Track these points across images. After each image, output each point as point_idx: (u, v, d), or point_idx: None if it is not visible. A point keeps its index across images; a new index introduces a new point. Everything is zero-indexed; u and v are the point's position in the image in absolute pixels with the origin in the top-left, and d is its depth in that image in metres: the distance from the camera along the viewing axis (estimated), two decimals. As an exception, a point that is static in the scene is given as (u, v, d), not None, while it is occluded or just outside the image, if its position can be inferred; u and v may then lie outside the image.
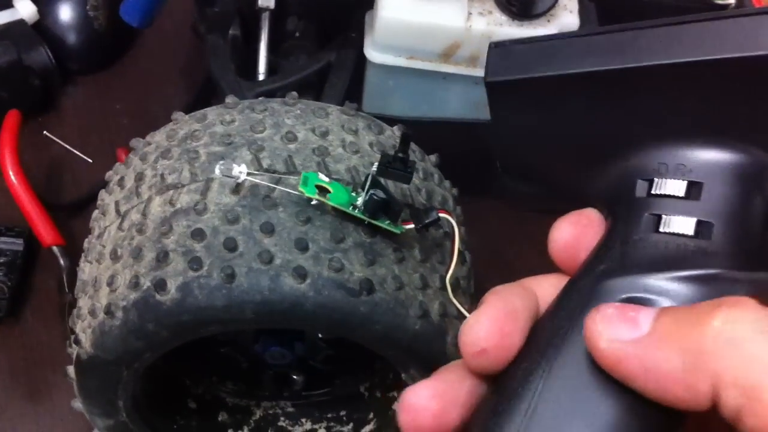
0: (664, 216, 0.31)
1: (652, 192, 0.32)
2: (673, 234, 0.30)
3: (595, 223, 0.33)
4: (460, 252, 0.47)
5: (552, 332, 0.30)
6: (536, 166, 0.38)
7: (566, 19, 0.60)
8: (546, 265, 0.78)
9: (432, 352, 0.46)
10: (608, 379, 0.28)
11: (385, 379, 0.58)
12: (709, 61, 0.30)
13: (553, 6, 0.58)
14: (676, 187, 0.31)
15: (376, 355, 0.48)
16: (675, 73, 0.31)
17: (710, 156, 0.31)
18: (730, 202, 0.30)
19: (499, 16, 0.59)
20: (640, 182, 0.32)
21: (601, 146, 0.34)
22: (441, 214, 0.43)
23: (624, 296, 0.30)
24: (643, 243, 0.31)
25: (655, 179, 0.32)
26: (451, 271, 0.45)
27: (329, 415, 0.60)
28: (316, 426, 0.60)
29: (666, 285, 0.29)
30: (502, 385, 0.31)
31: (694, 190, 0.31)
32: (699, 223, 0.30)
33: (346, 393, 0.60)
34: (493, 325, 0.30)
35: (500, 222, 0.77)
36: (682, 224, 0.30)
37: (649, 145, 0.32)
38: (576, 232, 0.33)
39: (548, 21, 0.59)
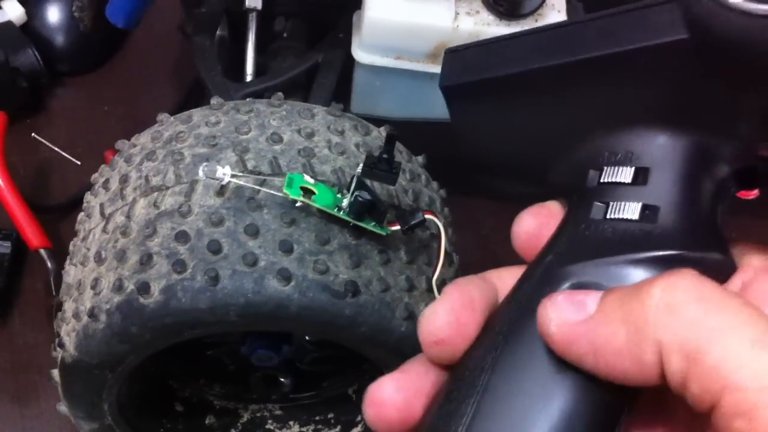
0: (611, 203, 0.31)
1: (602, 180, 0.32)
2: (619, 219, 0.31)
3: (556, 214, 0.34)
4: (447, 253, 0.47)
5: (503, 321, 0.31)
6: (497, 162, 0.39)
7: (554, 18, 0.60)
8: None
9: (418, 353, 0.45)
10: (555, 364, 0.29)
11: (372, 381, 0.58)
12: (637, 49, 0.30)
13: (540, 5, 0.58)
14: (623, 174, 0.32)
15: (364, 357, 0.47)
16: (608, 64, 0.31)
17: (656, 142, 0.32)
18: (676, 186, 0.31)
19: (487, 16, 0.58)
20: (591, 172, 0.33)
21: (552, 140, 0.35)
22: (427, 216, 0.43)
23: (572, 282, 0.30)
24: (591, 230, 0.31)
25: (605, 168, 0.32)
26: (437, 273, 0.45)
27: (317, 418, 0.59)
28: (304, 428, 0.59)
29: (613, 269, 0.30)
30: (457, 374, 0.31)
31: (641, 175, 0.31)
32: (645, 207, 0.31)
33: (334, 395, 0.60)
34: (449, 315, 0.31)
35: (492, 222, 0.77)
36: (627, 209, 0.31)
37: (597, 136, 0.33)
38: (537, 224, 0.34)
39: (536, 21, 0.59)
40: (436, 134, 0.66)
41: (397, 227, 0.43)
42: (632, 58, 0.31)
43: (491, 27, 0.58)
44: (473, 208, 0.73)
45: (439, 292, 0.45)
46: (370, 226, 0.43)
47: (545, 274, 0.31)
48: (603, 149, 0.32)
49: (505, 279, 0.33)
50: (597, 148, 0.33)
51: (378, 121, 0.52)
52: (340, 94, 0.64)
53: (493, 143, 0.38)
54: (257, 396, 0.60)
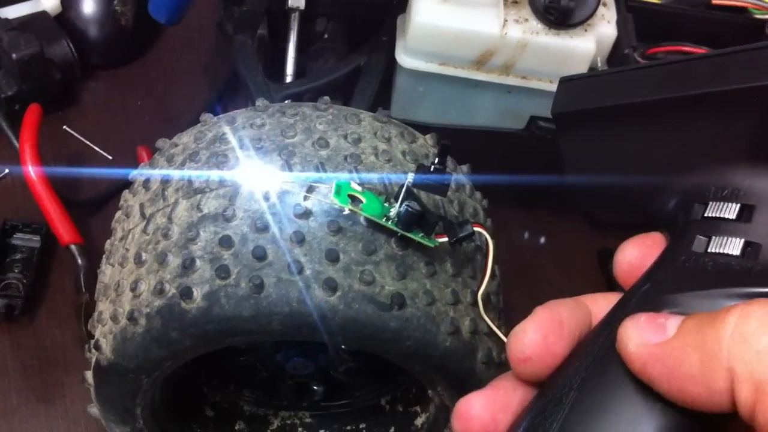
0: (713, 237, 0.32)
1: (706, 215, 0.33)
2: (720, 254, 0.31)
3: (659, 245, 0.34)
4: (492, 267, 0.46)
5: (595, 343, 0.32)
6: (601, 188, 0.39)
7: (604, 29, 0.58)
8: (568, 274, 0.76)
9: (461, 369, 0.44)
10: (642, 389, 0.29)
11: (407, 393, 0.57)
12: (752, 88, 0.31)
13: (591, 16, 0.57)
14: (728, 210, 0.32)
15: (399, 368, 0.46)
16: (724, 100, 0.32)
17: (763, 180, 0.32)
18: None
19: (536, 24, 0.57)
20: (696, 205, 0.33)
21: (659, 171, 0.35)
22: (475, 228, 0.42)
23: (668, 312, 0.30)
24: (692, 262, 0.32)
25: (710, 203, 0.33)
26: (483, 287, 0.44)
27: (348, 428, 0.58)
28: (334, 438, 0.58)
29: (709, 302, 0.30)
30: (544, 391, 0.32)
31: (746, 212, 0.32)
32: (747, 244, 0.31)
33: (366, 405, 0.59)
34: (537, 333, 0.32)
35: (524, 233, 0.76)
36: (729, 245, 0.31)
37: (705, 170, 0.33)
38: (640, 254, 0.35)
39: (585, 31, 0.58)
40: (475, 142, 0.66)
41: (445, 239, 0.42)
42: (742, 97, 0.31)
43: (540, 36, 0.57)
44: (504, 218, 0.71)
45: (484, 306, 0.44)
46: (418, 238, 0.42)
47: (641, 301, 0.31)
48: (710, 184, 0.33)
49: (600, 304, 0.34)
50: (704, 182, 0.33)
51: (418, 127, 0.51)
52: (379, 98, 0.63)
53: (599, 170, 0.39)
54: (288, 403, 0.59)
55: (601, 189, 0.39)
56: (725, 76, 0.32)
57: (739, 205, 0.32)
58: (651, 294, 0.31)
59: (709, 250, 0.31)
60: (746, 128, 0.32)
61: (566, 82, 0.39)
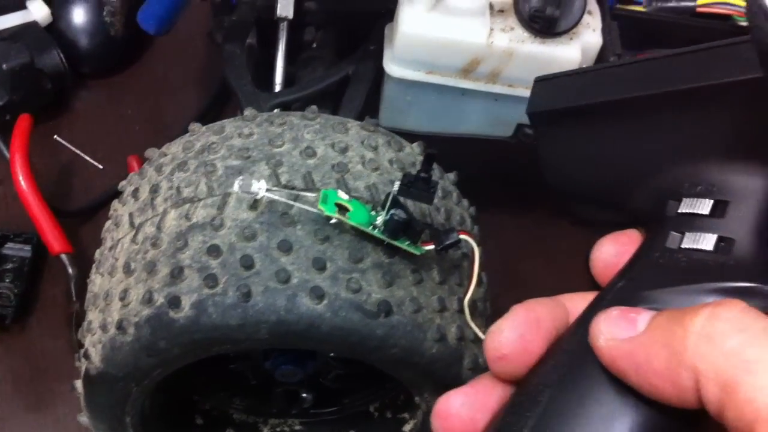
0: (687, 233, 0.32)
1: (680, 211, 0.33)
2: (694, 249, 0.32)
3: (635, 242, 0.35)
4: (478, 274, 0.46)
5: (570, 341, 0.32)
6: (580, 187, 0.39)
7: (589, 37, 0.59)
8: (560, 280, 0.76)
9: (448, 375, 0.45)
10: (615, 384, 0.29)
11: (395, 400, 0.57)
12: (727, 83, 0.31)
13: (576, 24, 0.57)
14: (702, 205, 0.32)
15: (388, 375, 0.47)
16: (699, 97, 0.32)
17: (737, 176, 0.32)
18: (753, 220, 0.31)
19: (522, 33, 0.58)
20: (671, 202, 0.33)
21: (635, 168, 0.35)
22: (462, 236, 0.43)
23: (639, 308, 0.30)
24: (666, 258, 0.32)
25: (684, 199, 0.33)
26: (469, 294, 0.44)
27: (338, 435, 0.59)
28: (324, 445, 0.59)
29: (684, 297, 0.30)
30: (521, 389, 0.32)
31: (719, 208, 0.32)
32: (720, 239, 0.31)
33: (355, 412, 0.59)
34: (514, 331, 0.32)
35: (514, 238, 0.77)
36: (702, 240, 0.32)
37: (679, 167, 0.34)
38: (616, 251, 0.35)
39: (571, 39, 0.58)
40: (464, 150, 0.66)
41: (431, 247, 0.43)
42: (718, 93, 0.31)
43: (526, 44, 0.58)
44: (494, 223, 0.72)
45: (470, 313, 0.44)
46: (405, 246, 0.42)
47: (616, 298, 0.32)
48: (684, 180, 0.33)
49: (576, 302, 0.34)
50: (678, 178, 0.33)
51: (406, 135, 0.51)
52: (368, 107, 0.64)
53: (577, 169, 0.39)
54: (278, 410, 0.59)
55: (578, 186, 0.39)
56: (700, 73, 0.32)
57: (713, 200, 0.32)
58: (626, 291, 0.32)
59: (682, 246, 0.32)
60: (722, 124, 0.32)
61: (541, 81, 0.39)
